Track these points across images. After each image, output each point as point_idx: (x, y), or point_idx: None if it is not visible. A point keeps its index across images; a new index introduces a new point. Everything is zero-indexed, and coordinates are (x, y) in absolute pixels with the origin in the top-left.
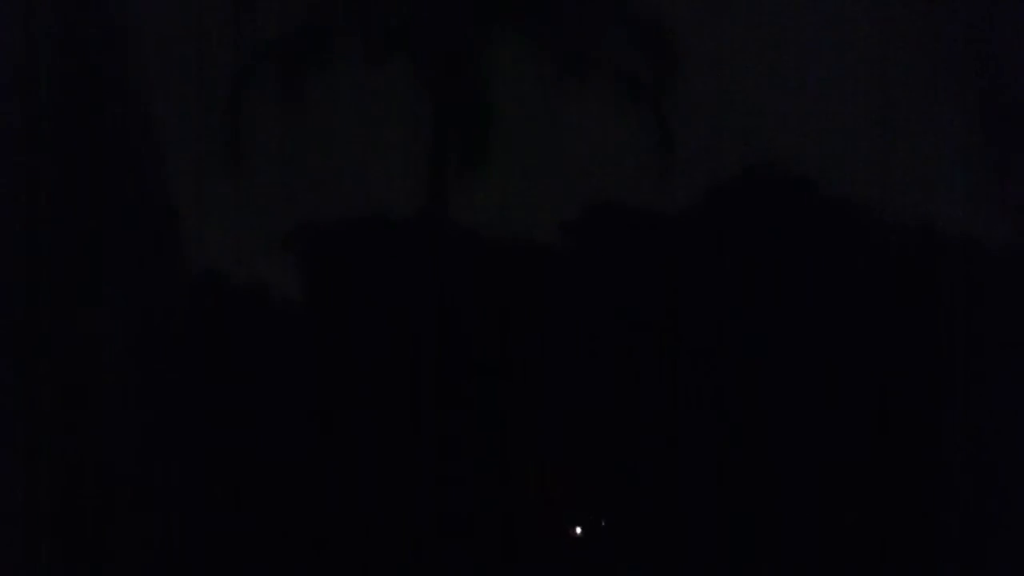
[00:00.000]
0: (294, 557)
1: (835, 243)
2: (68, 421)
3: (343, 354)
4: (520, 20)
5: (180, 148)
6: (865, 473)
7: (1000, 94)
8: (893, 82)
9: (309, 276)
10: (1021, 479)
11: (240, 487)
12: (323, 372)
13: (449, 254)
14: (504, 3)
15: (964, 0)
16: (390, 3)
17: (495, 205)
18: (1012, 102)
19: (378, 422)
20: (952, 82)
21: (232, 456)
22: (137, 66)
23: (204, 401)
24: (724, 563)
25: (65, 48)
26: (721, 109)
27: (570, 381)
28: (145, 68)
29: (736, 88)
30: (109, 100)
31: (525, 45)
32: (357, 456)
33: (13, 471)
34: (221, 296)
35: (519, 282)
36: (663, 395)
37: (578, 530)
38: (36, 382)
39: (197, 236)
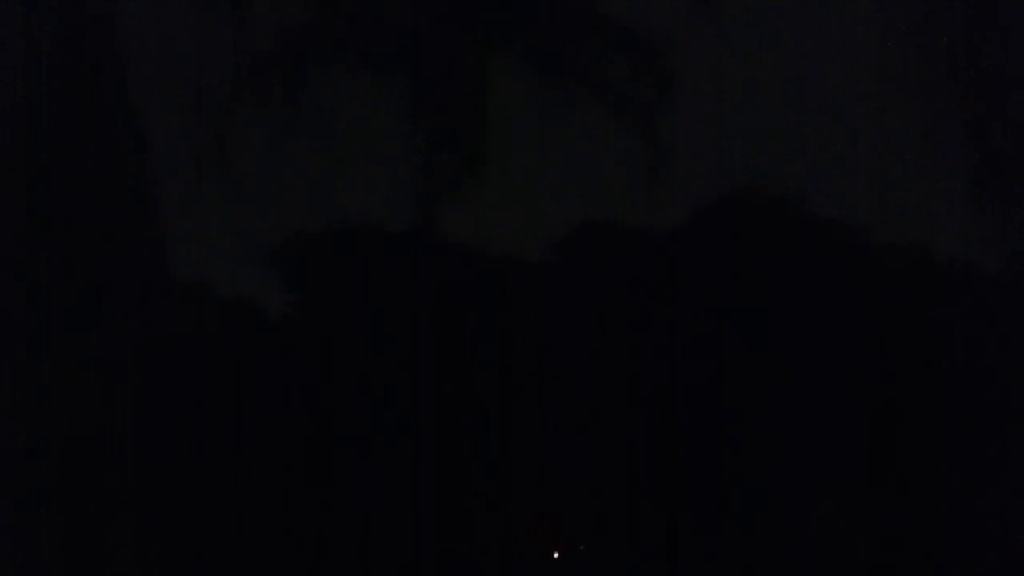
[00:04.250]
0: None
1: (832, 263)
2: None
3: (331, 368)
4: (516, 36)
5: (170, 154)
6: (857, 496)
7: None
8: (894, 100)
9: (296, 289)
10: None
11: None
12: (309, 386)
13: (439, 269)
14: (500, 19)
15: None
16: (383, 16)
17: (486, 220)
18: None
19: (368, 438)
20: (953, 100)
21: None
22: (131, 71)
23: (195, 413)
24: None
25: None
26: (718, 127)
27: (563, 397)
28: (138, 74)
29: (733, 106)
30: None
31: (520, 61)
32: (344, 474)
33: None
34: (209, 307)
35: (509, 298)
36: (657, 413)
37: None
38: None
39: (186, 245)
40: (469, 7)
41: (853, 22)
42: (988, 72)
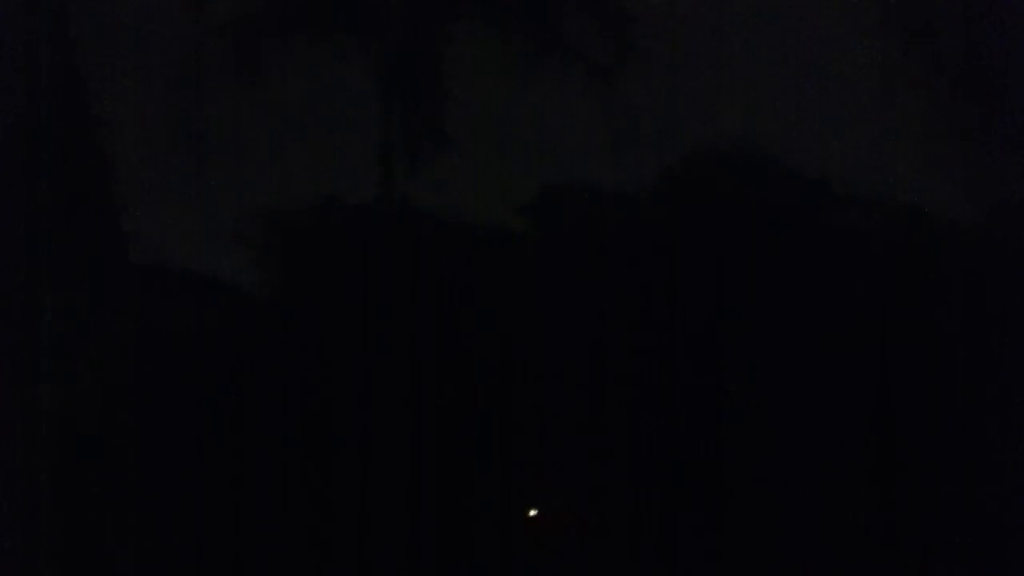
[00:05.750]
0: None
1: (802, 227)
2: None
3: (298, 344)
4: (479, 2)
5: (131, 131)
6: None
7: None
8: (868, 57)
9: (262, 264)
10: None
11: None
12: (277, 362)
13: (406, 240)
14: None
15: None
16: None
17: (453, 190)
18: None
19: (335, 414)
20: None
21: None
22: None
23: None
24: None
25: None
26: (685, 90)
27: (535, 369)
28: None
29: (699, 69)
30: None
31: (485, 27)
32: (319, 451)
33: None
34: (176, 288)
35: (477, 268)
36: (629, 381)
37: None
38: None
39: (150, 225)
40: None
41: None
42: None
